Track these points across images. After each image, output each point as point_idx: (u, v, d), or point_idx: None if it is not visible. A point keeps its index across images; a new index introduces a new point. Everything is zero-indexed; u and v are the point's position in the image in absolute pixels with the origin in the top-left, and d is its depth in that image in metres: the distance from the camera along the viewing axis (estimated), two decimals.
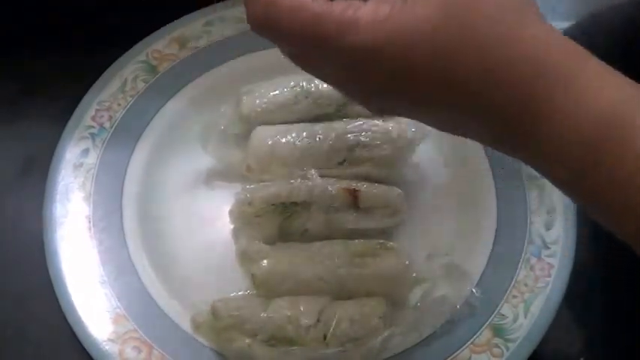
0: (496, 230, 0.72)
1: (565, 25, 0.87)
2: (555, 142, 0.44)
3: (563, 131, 0.43)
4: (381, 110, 0.52)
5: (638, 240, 0.43)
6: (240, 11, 0.82)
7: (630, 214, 0.42)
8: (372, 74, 0.46)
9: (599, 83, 0.43)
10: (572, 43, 0.45)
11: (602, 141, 0.42)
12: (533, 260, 0.70)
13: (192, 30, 0.82)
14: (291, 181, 0.70)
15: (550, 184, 0.49)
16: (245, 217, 0.70)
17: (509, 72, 0.43)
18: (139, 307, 0.69)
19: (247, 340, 0.65)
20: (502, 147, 0.48)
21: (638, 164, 0.41)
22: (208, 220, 0.74)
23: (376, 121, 0.73)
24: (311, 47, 0.46)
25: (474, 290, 0.68)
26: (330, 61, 0.47)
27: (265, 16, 0.46)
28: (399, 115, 0.52)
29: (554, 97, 0.43)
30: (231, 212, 0.71)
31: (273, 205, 0.70)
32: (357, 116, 0.74)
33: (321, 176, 0.71)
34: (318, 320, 0.65)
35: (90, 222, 0.73)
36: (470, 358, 0.66)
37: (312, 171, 0.71)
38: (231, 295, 0.69)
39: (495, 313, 0.68)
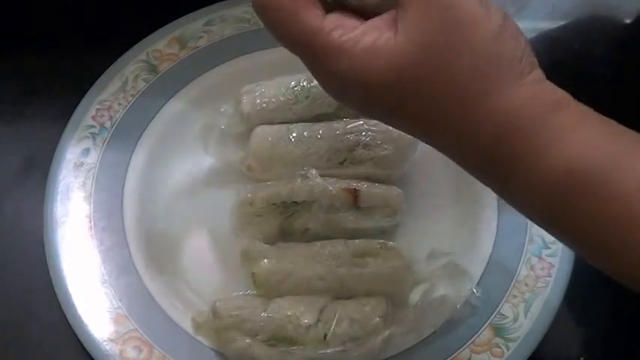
0: (496, 230, 0.72)
1: (563, 24, 0.88)
2: (523, 194, 0.46)
3: (526, 187, 0.45)
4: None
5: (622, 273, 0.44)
6: (240, 11, 0.82)
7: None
8: (350, 95, 0.48)
9: (558, 142, 0.44)
10: (542, 99, 0.44)
11: (563, 194, 0.44)
12: (534, 260, 0.70)
13: (193, 30, 0.82)
14: (292, 180, 0.71)
15: None
16: (246, 217, 0.70)
17: (472, 130, 0.45)
18: (140, 306, 0.69)
19: (248, 340, 0.65)
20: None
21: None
22: (209, 220, 0.74)
23: (376, 121, 0.73)
24: (302, 55, 0.48)
25: (474, 290, 0.68)
26: (318, 72, 0.48)
27: (267, 9, 0.47)
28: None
29: (515, 159, 0.44)
30: (231, 212, 0.71)
31: (273, 204, 0.70)
32: (358, 116, 0.74)
33: (322, 176, 0.71)
34: (318, 320, 0.65)
35: (90, 221, 0.73)
36: (470, 357, 0.66)
37: (313, 171, 0.71)
38: (232, 294, 0.69)
39: (496, 312, 0.68)
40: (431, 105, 0.45)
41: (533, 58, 0.45)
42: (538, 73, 0.45)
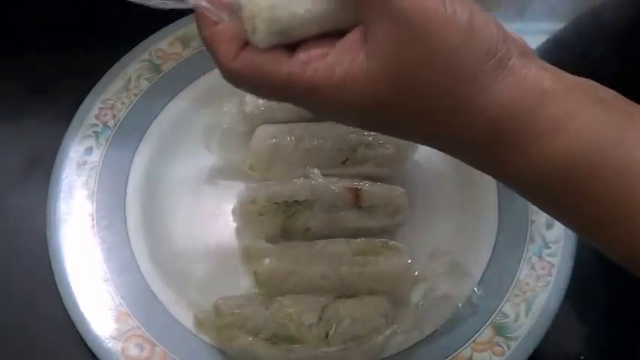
0: (497, 229, 0.72)
1: (564, 25, 0.88)
2: (520, 183, 0.46)
3: (523, 179, 0.46)
4: None
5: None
6: None
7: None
8: (340, 120, 0.50)
9: (548, 136, 0.43)
10: (528, 92, 0.44)
11: (558, 185, 0.44)
12: (535, 259, 0.70)
13: (196, 29, 0.81)
14: (294, 179, 0.71)
15: None
16: (248, 216, 0.71)
17: (463, 133, 0.45)
18: (142, 304, 0.69)
19: (250, 338, 0.65)
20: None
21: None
22: (211, 219, 0.74)
23: None
24: (286, 100, 0.49)
25: (475, 289, 0.69)
26: (305, 107, 0.49)
27: (237, 73, 0.47)
28: None
29: (510, 155, 0.45)
30: (234, 211, 0.71)
31: (276, 203, 0.70)
32: None
33: (324, 175, 0.71)
34: (320, 318, 0.65)
35: (93, 220, 0.73)
36: (471, 356, 0.66)
37: (315, 170, 0.71)
38: (234, 293, 0.69)
39: (497, 311, 0.68)
40: (417, 119, 0.46)
41: (508, 43, 0.44)
42: (518, 60, 0.44)
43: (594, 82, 0.46)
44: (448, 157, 0.48)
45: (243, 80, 0.47)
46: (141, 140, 0.77)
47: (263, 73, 0.46)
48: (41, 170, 0.76)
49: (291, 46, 0.46)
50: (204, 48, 0.80)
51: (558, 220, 0.50)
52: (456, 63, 0.43)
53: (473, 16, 0.43)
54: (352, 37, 0.45)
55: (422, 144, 0.49)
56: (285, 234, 0.71)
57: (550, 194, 0.45)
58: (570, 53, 0.86)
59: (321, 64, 0.45)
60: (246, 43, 0.46)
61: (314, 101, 0.47)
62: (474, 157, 0.47)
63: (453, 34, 0.42)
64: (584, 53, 0.85)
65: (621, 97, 0.45)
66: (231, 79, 0.47)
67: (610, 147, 0.42)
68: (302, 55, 0.46)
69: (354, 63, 0.44)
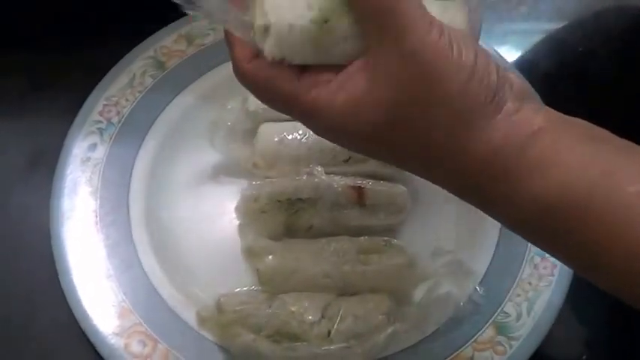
0: (500, 229, 0.72)
1: (567, 25, 0.88)
2: (507, 220, 0.48)
3: (509, 215, 0.47)
4: None
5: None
6: None
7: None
8: (339, 142, 0.50)
9: (536, 177, 0.44)
10: (518, 134, 0.45)
11: (544, 223, 0.45)
12: (537, 259, 0.70)
13: (200, 27, 0.82)
14: (297, 177, 0.71)
15: None
16: (251, 213, 0.71)
17: (454, 169, 0.46)
18: (145, 301, 0.69)
19: (252, 336, 0.65)
20: None
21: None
22: (214, 216, 0.74)
23: None
24: (288, 114, 0.50)
25: (477, 288, 0.69)
26: (306, 125, 0.50)
27: (247, 76, 0.48)
28: None
29: (499, 193, 0.46)
30: (237, 208, 0.71)
31: (279, 201, 0.70)
32: None
33: (327, 173, 0.71)
34: (322, 316, 0.66)
35: (97, 216, 0.73)
36: (473, 355, 0.67)
37: (318, 168, 0.71)
38: (237, 290, 0.69)
39: (499, 311, 0.68)
40: (412, 154, 0.47)
41: (505, 88, 0.45)
42: (512, 104, 0.45)
43: (587, 122, 0.47)
44: None
45: (252, 83, 0.48)
46: (145, 137, 0.77)
47: (270, 83, 0.47)
48: (45, 167, 0.76)
49: (301, 67, 0.47)
50: (207, 46, 0.81)
51: (552, 255, 0.51)
52: (456, 106, 0.44)
53: (477, 59, 0.44)
54: (357, 65, 0.46)
55: (416, 175, 0.50)
56: (288, 232, 0.71)
57: (540, 230, 0.46)
58: (574, 53, 0.86)
59: (324, 88, 0.46)
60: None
61: (315, 122, 0.48)
62: (465, 193, 0.48)
63: (457, 77, 0.44)
64: (587, 53, 0.85)
65: (614, 135, 0.46)
66: (241, 79, 0.48)
67: (599, 181, 0.43)
68: (308, 78, 0.47)
69: (357, 91, 0.45)
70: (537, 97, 0.49)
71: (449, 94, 0.44)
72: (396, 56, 0.44)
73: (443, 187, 0.49)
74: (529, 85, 0.48)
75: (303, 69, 0.47)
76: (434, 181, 0.49)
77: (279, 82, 0.47)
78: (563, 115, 0.47)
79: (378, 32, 0.44)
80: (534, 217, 0.45)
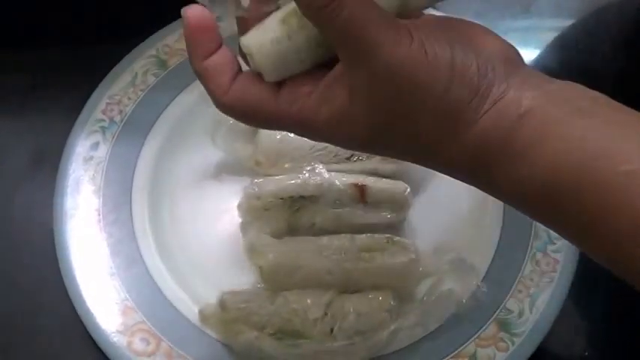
0: (502, 225, 0.72)
1: (569, 22, 0.88)
2: (506, 199, 0.49)
3: (508, 195, 0.47)
4: None
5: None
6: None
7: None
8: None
9: (526, 158, 0.44)
10: (506, 119, 0.44)
11: (542, 201, 0.45)
12: (539, 255, 0.70)
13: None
14: (300, 175, 0.71)
15: None
16: (253, 211, 0.71)
17: (448, 163, 0.47)
18: (148, 299, 0.70)
19: (255, 333, 0.65)
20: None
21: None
22: (217, 214, 0.74)
23: None
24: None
25: (480, 285, 0.69)
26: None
27: (227, 107, 0.49)
28: None
29: (493, 178, 0.46)
30: (239, 206, 0.71)
31: (281, 199, 0.70)
32: None
33: (329, 171, 0.71)
34: (325, 313, 0.66)
35: (100, 215, 0.73)
36: (475, 352, 0.67)
37: (320, 165, 0.71)
38: (239, 287, 0.69)
39: (501, 307, 0.68)
40: (404, 153, 0.48)
41: (488, 73, 0.45)
42: (498, 87, 0.45)
43: (576, 88, 0.46)
44: None
45: (234, 113, 0.49)
46: (147, 135, 0.77)
47: (253, 108, 0.48)
48: (48, 165, 0.76)
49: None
50: None
51: (551, 229, 0.51)
52: (440, 109, 0.44)
53: (454, 54, 0.44)
54: (335, 76, 0.46)
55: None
56: (290, 229, 0.71)
57: (535, 209, 0.46)
58: (576, 51, 0.86)
59: (306, 102, 0.47)
60: (237, 74, 0.48)
61: (301, 133, 0.49)
62: (463, 178, 0.48)
63: (436, 81, 0.44)
64: (589, 51, 0.85)
65: (603, 100, 0.45)
66: (223, 111, 0.49)
67: (588, 163, 0.42)
68: (287, 93, 0.47)
69: (338, 106, 0.46)
70: (519, 56, 0.48)
71: (431, 99, 0.44)
72: (369, 75, 0.44)
73: (440, 172, 0.49)
74: (510, 48, 0.48)
75: (279, 83, 0.47)
76: (433, 169, 0.49)
77: (261, 103, 0.47)
78: (551, 81, 0.46)
79: (349, 54, 0.44)
80: (528, 197, 0.45)
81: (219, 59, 0.48)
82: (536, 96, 0.44)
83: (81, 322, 0.68)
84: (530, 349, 0.67)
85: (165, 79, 0.80)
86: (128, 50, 0.81)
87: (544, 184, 0.43)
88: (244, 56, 0.48)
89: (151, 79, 0.79)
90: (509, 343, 0.67)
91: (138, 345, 0.67)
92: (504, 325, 0.67)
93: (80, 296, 0.69)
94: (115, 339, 0.67)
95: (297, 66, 0.47)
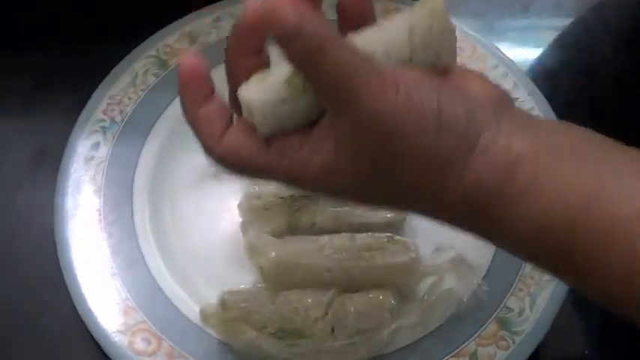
0: None
1: (568, 22, 0.88)
2: (503, 246, 0.48)
3: (504, 243, 0.47)
4: None
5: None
6: None
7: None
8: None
9: (520, 205, 0.43)
10: (496, 167, 0.44)
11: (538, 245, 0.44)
12: None
13: (203, 25, 0.82)
14: None
15: None
16: (254, 211, 0.71)
17: (440, 211, 0.47)
18: (149, 298, 0.70)
19: (255, 332, 0.65)
20: None
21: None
22: (217, 213, 0.74)
23: None
24: None
25: (480, 283, 0.69)
26: None
27: (219, 158, 0.48)
28: None
29: (489, 227, 0.45)
30: (240, 205, 0.71)
31: (281, 198, 0.70)
32: None
33: None
34: (325, 313, 0.66)
35: (100, 215, 0.73)
36: (476, 350, 0.67)
37: None
38: (240, 287, 0.69)
39: (502, 306, 0.68)
40: (394, 203, 0.49)
41: (476, 118, 0.44)
42: (488, 132, 0.44)
43: (567, 128, 0.46)
44: None
45: (225, 163, 0.48)
46: (148, 135, 0.77)
47: (244, 160, 0.47)
48: (49, 165, 0.76)
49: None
50: (210, 44, 0.81)
51: (546, 271, 0.50)
52: (428, 158, 0.43)
53: (440, 102, 0.43)
54: (324, 126, 0.46)
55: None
56: (291, 229, 0.71)
57: (529, 253, 0.46)
58: (576, 50, 0.86)
59: (297, 155, 0.46)
60: (229, 125, 0.48)
61: (293, 184, 0.48)
62: (455, 225, 0.48)
63: (422, 131, 0.43)
64: (589, 50, 0.85)
65: (595, 139, 0.45)
66: (214, 161, 0.48)
67: (584, 205, 0.42)
68: (279, 144, 0.47)
69: (327, 158, 0.45)
70: (509, 98, 0.48)
71: (418, 149, 0.43)
72: (352, 124, 0.43)
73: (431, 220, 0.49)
74: (499, 91, 0.47)
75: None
76: (422, 216, 0.49)
77: (252, 156, 0.47)
78: (540, 123, 0.46)
79: (333, 102, 0.44)
80: (522, 242, 0.44)
81: (212, 109, 0.48)
82: (528, 140, 0.44)
83: (82, 321, 0.68)
84: (530, 348, 0.67)
85: (165, 79, 0.80)
86: (128, 50, 0.81)
87: (539, 229, 0.43)
88: (235, 103, 0.48)
89: (152, 79, 0.80)
90: (509, 341, 0.67)
91: (139, 345, 0.67)
92: (505, 324, 0.68)
93: (81, 296, 0.69)
94: (116, 339, 0.67)
95: (294, 124, 0.46)
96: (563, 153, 0.44)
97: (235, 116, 0.48)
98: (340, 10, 0.49)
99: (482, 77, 0.48)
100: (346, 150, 0.44)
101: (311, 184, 0.47)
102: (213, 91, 0.48)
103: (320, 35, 0.41)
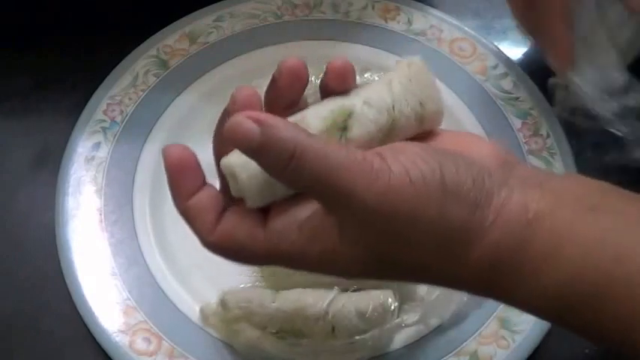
0: None
1: None
2: (522, 309, 0.46)
3: (525, 309, 0.46)
4: None
5: None
6: (250, 7, 0.83)
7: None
8: None
9: (542, 271, 0.42)
10: (511, 236, 0.42)
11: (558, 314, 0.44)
12: None
13: (203, 25, 0.82)
14: None
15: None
16: None
17: (457, 283, 0.46)
18: (149, 298, 0.70)
19: (256, 332, 0.65)
20: None
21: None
22: None
23: None
24: None
25: None
26: None
27: (215, 247, 0.48)
28: None
29: (508, 295, 0.45)
30: None
31: None
32: None
33: None
34: (326, 312, 0.65)
35: (101, 215, 0.73)
36: (477, 349, 0.67)
37: None
38: (240, 287, 0.69)
39: (502, 305, 0.68)
40: (401, 278, 0.49)
41: (485, 183, 0.43)
42: (498, 195, 0.43)
43: (581, 182, 0.45)
44: None
45: (221, 252, 0.47)
46: (148, 135, 0.77)
47: (240, 247, 0.46)
48: (50, 165, 0.76)
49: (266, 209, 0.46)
50: (210, 44, 0.81)
51: (569, 331, 0.48)
52: (437, 233, 0.42)
53: (443, 173, 0.42)
54: (323, 212, 0.44)
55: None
56: None
57: (552, 315, 0.45)
58: None
59: (297, 239, 0.45)
60: (222, 212, 0.47)
61: (293, 267, 0.47)
62: (474, 292, 0.47)
63: (427, 208, 0.42)
64: None
65: (611, 192, 0.44)
66: (211, 250, 0.48)
67: (608, 265, 0.41)
68: (276, 227, 0.45)
69: (329, 244, 0.44)
70: (513, 155, 0.47)
71: (425, 225, 0.42)
72: (350, 217, 0.42)
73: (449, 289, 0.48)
74: (502, 150, 0.46)
75: (265, 213, 0.46)
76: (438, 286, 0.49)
77: (249, 241, 0.46)
78: (552, 177, 0.45)
79: (325, 202, 0.43)
80: (544, 306, 0.43)
81: (204, 198, 0.47)
82: (542, 196, 0.43)
83: (82, 321, 0.69)
84: (531, 347, 0.67)
85: (166, 80, 0.80)
86: (129, 51, 0.81)
87: (562, 295, 0.42)
88: (223, 177, 0.47)
89: (152, 80, 0.80)
90: (510, 340, 0.67)
91: (139, 344, 0.67)
92: (505, 323, 0.67)
93: (82, 296, 0.69)
94: (116, 339, 0.67)
95: (284, 191, 0.46)
96: (583, 209, 0.43)
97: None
98: (323, 88, 0.49)
99: (481, 139, 0.47)
100: (349, 242, 0.44)
101: (312, 267, 0.46)
102: (204, 179, 0.48)
103: (291, 140, 0.41)
